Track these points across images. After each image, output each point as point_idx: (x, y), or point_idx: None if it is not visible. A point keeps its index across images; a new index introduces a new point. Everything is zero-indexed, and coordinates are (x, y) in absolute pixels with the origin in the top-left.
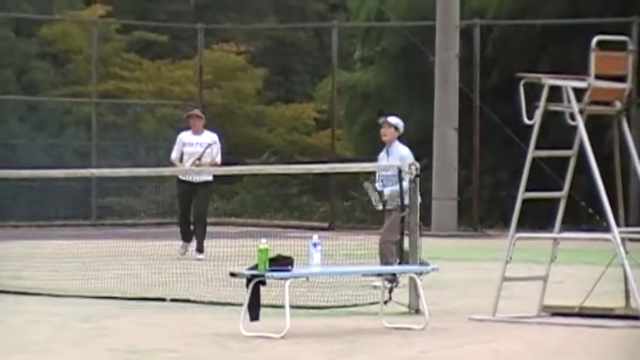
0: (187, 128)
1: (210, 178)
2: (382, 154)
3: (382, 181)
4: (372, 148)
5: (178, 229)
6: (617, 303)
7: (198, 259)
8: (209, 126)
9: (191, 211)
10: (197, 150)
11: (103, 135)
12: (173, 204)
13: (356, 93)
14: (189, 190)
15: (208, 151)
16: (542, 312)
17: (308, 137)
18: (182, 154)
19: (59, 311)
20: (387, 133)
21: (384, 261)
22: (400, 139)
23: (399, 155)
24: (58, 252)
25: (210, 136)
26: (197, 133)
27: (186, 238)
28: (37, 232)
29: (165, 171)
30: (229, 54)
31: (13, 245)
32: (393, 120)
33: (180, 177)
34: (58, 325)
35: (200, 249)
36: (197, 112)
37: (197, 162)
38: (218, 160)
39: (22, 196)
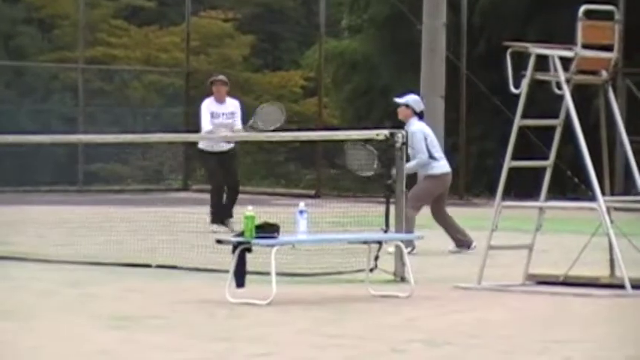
0: (207, 95)
1: (234, 145)
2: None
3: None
4: (359, 115)
5: (211, 207)
6: (602, 272)
7: (233, 226)
8: (193, 93)
9: (224, 183)
10: (224, 121)
11: (90, 101)
12: (160, 170)
13: (343, 61)
14: (219, 160)
15: (230, 121)
16: (527, 280)
17: (295, 105)
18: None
19: (45, 277)
20: (399, 112)
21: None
22: (421, 115)
23: (410, 133)
24: (44, 218)
25: (233, 104)
26: (221, 101)
27: (222, 213)
28: (23, 197)
29: (152, 137)
30: (217, 21)
31: (0, 211)
32: (402, 99)
33: (206, 147)
34: (44, 291)
35: (231, 215)
36: (222, 77)
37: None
38: (239, 127)
39: (8, 162)
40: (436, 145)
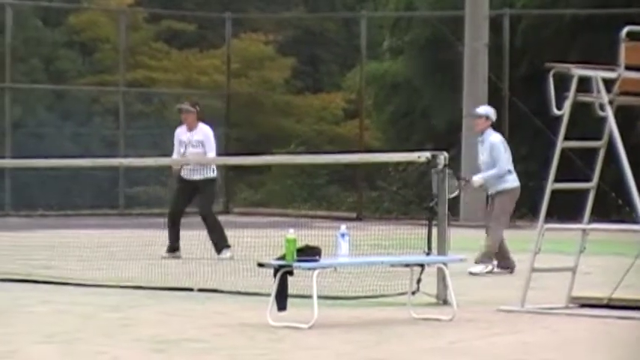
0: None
1: (211, 175)
2: (479, 144)
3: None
4: (400, 137)
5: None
6: None
7: (225, 258)
8: (234, 116)
9: (181, 211)
10: (193, 150)
11: (131, 124)
12: None
13: (384, 83)
14: (185, 187)
15: (198, 150)
16: (570, 303)
17: (336, 127)
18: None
19: (87, 301)
20: (477, 124)
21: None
22: (494, 127)
23: (489, 143)
24: (86, 242)
25: (202, 132)
26: (190, 129)
27: (172, 242)
28: (65, 221)
29: (193, 160)
30: (257, 43)
31: (42, 235)
32: (482, 110)
33: (182, 174)
34: (85, 315)
35: (218, 250)
36: (187, 105)
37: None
38: (209, 156)
39: (49, 186)
40: (510, 158)
